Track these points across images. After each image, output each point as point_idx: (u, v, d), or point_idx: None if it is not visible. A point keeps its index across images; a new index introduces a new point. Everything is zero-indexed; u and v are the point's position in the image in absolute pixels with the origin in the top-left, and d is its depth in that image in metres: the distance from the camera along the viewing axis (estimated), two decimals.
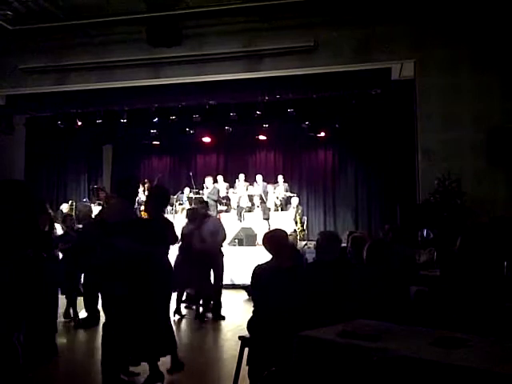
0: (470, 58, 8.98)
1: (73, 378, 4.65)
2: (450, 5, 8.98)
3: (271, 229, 11.95)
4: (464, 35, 8.99)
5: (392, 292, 3.74)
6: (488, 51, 8.85)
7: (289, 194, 12.87)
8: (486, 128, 8.70)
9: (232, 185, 13.28)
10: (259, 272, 3.97)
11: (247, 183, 13.21)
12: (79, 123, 11.75)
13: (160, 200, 4.43)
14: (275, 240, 4.02)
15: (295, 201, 12.53)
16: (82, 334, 6.25)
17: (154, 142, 14.05)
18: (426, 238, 7.94)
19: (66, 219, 7.28)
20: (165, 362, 4.46)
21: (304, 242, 11.08)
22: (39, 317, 4.27)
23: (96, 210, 7.58)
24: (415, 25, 9.23)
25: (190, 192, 12.80)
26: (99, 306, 6.20)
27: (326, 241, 4.16)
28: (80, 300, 6.63)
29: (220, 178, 13.21)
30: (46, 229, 5.43)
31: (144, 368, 4.32)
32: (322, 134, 13.12)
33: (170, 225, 4.45)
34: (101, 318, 5.65)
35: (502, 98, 8.76)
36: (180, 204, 11.99)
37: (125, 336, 4.10)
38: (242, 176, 13.26)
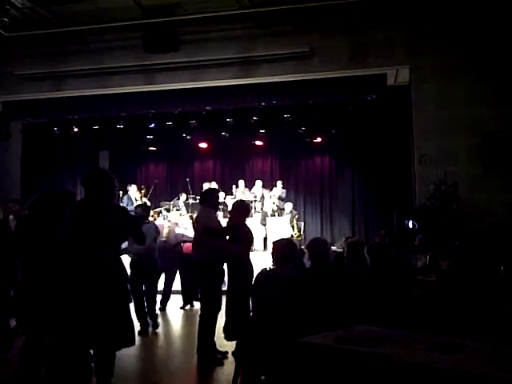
0: (464, 64, 9.04)
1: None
2: (445, 11, 9.06)
3: (268, 234, 12.05)
4: (459, 41, 9.05)
5: (392, 297, 3.74)
6: (482, 57, 8.91)
7: (283, 195, 12.87)
8: (481, 133, 8.75)
9: (228, 192, 13.18)
10: (261, 277, 3.99)
11: (247, 189, 13.18)
12: (75, 129, 11.71)
13: (242, 211, 5.46)
14: (279, 249, 4.05)
15: (289, 206, 12.53)
16: None
17: (151, 148, 14.03)
18: (412, 228, 8.00)
19: None
20: None
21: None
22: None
23: None
24: (410, 31, 9.29)
25: (187, 198, 12.77)
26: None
27: (320, 247, 4.16)
28: None
29: (214, 184, 13.07)
30: None
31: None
32: (319, 140, 13.14)
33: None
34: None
35: (496, 104, 8.81)
36: (177, 210, 11.98)
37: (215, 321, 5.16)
38: (241, 182, 13.23)
